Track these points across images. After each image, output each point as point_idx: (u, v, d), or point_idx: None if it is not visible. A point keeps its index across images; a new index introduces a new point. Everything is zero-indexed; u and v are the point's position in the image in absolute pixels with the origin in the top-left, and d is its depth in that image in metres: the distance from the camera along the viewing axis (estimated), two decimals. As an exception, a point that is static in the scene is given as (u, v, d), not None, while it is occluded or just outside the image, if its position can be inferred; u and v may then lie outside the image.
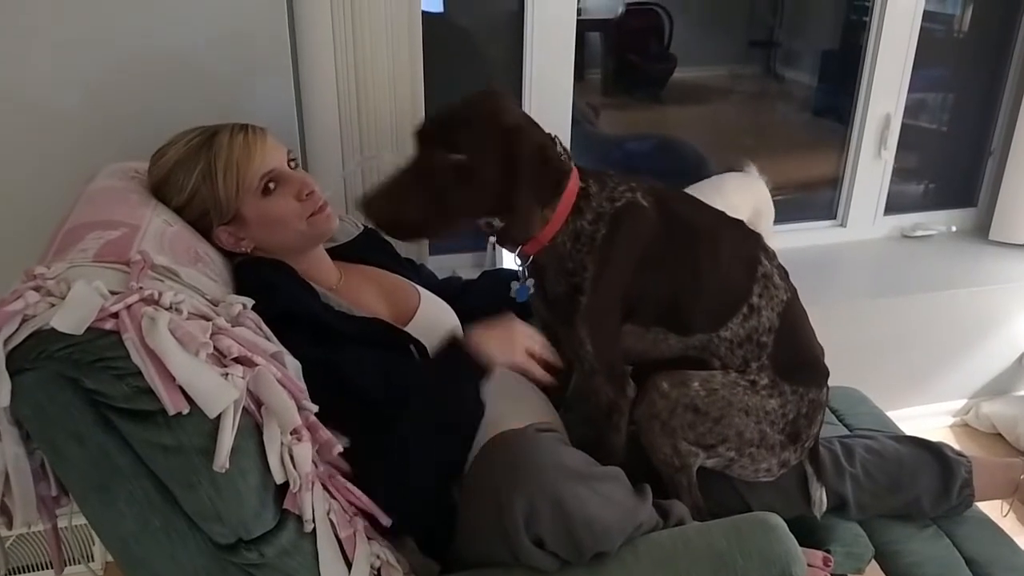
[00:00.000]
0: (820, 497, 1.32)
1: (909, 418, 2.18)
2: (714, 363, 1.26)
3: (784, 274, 1.30)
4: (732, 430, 1.24)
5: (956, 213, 2.49)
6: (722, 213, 1.31)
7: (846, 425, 1.63)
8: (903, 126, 2.27)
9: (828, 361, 1.33)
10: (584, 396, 1.29)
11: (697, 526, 1.11)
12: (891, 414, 1.71)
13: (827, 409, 1.39)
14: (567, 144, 1.93)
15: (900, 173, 2.37)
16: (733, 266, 1.25)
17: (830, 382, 1.31)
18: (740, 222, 1.31)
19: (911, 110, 2.28)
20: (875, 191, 2.34)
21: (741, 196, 1.92)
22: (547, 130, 1.20)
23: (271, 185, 1.22)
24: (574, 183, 1.19)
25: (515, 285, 1.26)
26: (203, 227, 1.23)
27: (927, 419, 2.30)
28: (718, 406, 1.23)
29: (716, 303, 1.24)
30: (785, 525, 1.08)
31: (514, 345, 1.21)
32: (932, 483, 1.40)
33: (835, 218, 2.40)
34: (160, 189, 1.22)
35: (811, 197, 2.42)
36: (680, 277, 1.23)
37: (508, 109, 1.16)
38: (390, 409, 1.11)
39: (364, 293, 1.33)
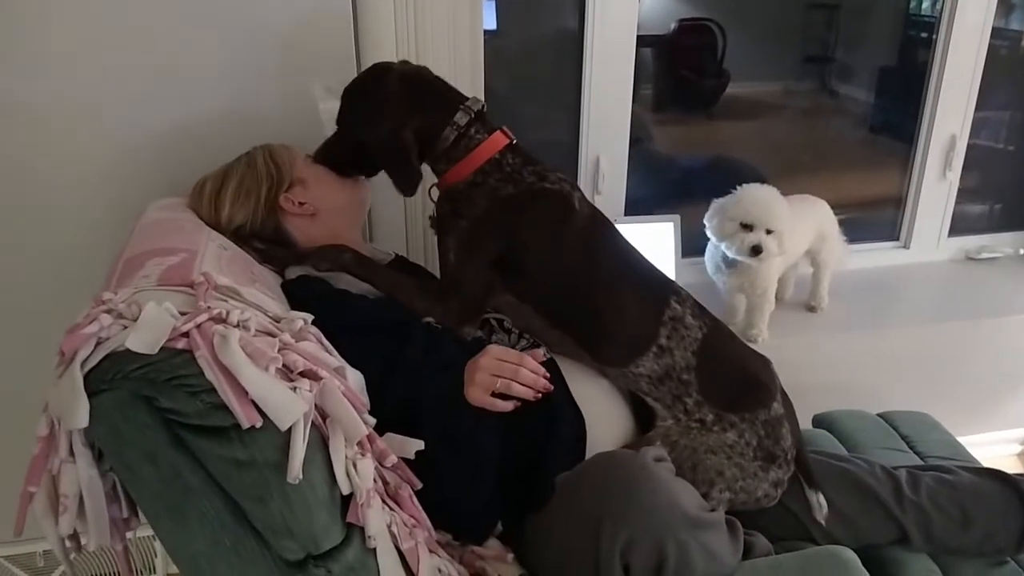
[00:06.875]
0: (817, 501, 1.29)
1: (977, 444, 2.08)
2: (647, 400, 1.29)
3: (699, 311, 1.31)
4: (711, 472, 1.24)
5: (1023, 235, 2.42)
6: (646, 260, 1.35)
7: (917, 452, 1.58)
8: (967, 145, 2.21)
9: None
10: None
11: (768, 562, 1.10)
12: (958, 440, 1.65)
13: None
14: (624, 160, 1.96)
15: (965, 193, 2.31)
16: (639, 306, 1.28)
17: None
18: (656, 270, 1.35)
19: (975, 128, 2.22)
20: (939, 213, 2.28)
21: (804, 218, 1.90)
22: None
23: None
24: (487, 151, 1.27)
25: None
26: (267, 209, 1.37)
27: (995, 446, 2.24)
28: (685, 455, 1.24)
29: (622, 337, 1.27)
30: (857, 559, 1.06)
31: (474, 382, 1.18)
32: (1011, 521, 1.32)
33: (898, 239, 2.34)
34: (215, 193, 1.36)
35: (871, 217, 2.37)
36: (585, 291, 1.27)
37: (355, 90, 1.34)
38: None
39: None
